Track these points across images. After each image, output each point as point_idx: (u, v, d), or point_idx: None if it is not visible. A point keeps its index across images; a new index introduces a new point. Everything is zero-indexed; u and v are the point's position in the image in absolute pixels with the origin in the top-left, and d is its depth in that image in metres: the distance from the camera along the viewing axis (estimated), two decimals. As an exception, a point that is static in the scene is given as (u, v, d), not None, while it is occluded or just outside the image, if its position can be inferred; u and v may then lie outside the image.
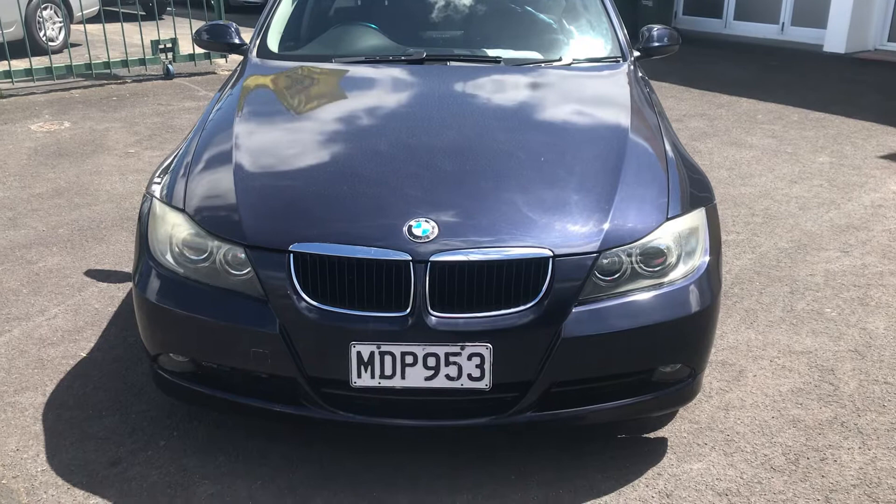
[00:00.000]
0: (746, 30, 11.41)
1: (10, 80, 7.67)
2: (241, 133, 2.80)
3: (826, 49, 10.19)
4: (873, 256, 4.14)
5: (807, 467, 2.56)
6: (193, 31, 4.04)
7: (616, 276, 2.32)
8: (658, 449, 2.65)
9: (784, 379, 3.04)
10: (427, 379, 2.25)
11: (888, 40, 10.17)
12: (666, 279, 2.37)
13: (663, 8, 10.91)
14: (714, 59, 9.77)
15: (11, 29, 8.43)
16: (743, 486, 2.48)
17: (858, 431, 2.74)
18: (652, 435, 2.71)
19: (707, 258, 2.46)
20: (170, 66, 8.41)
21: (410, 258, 2.22)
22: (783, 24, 11.03)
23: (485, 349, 2.21)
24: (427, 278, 2.22)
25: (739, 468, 2.56)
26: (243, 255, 2.31)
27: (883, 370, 3.10)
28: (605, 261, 2.31)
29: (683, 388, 2.48)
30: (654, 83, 4.65)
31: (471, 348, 2.21)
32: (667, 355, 2.41)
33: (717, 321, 2.51)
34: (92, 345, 3.24)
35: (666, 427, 2.75)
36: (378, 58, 3.52)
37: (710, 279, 2.44)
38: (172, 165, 2.75)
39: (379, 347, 2.22)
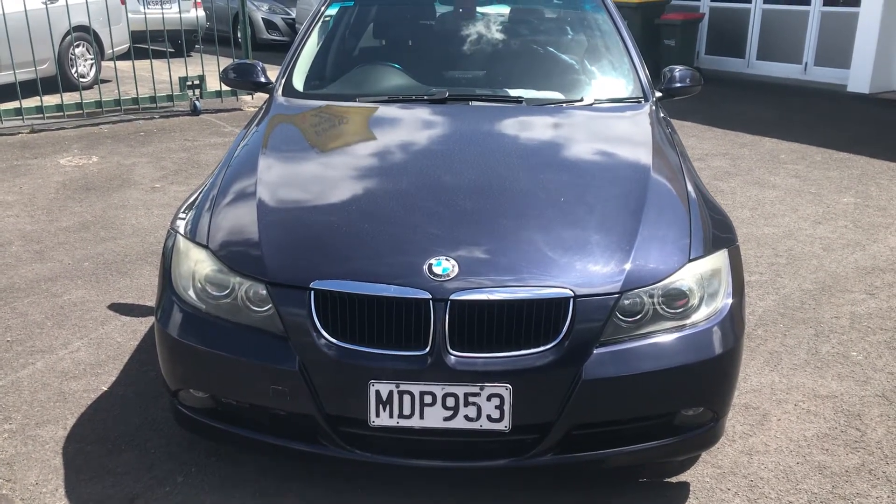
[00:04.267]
0: (769, 70, 11.42)
1: (41, 115, 7.83)
2: (265, 170, 2.84)
3: (850, 89, 10.16)
4: (900, 299, 4.08)
5: (833, 516, 2.51)
6: (221, 69, 4.11)
7: (638, 317, 2.31)
8: (680, 494, 2.60)
9: (809, 424, 2.99)
10: (446, 419, 2.23)
11: (913, 81, 10.14)
12: (688, 321, 2.35)
13: (685, 48, 10.96)
14: (736, 98, 9.77)
15: (45, 66, 8.62)
16: (767, 534, 2.42)
17: (887, 479, 2.68)
18: (674, 479, 2.67)
19: (730, 300, 2.44)
20: (197, 103, 8.55)
21: (430, 296, 2.22)
22: (806, 63, 11.03)
23: (504, 390, 2.20)
24: (447, 317, 2.21)
25: (764, 515, 2.51)
26: (264, 292, 2.33)
27: (911, 416, 3.04)
28: (626, 302, 2.29)
29: (706, 432, 2.45)
30: (676, 122, 4.65)
31: (490, 389, 2.20)
32: (689, 398, 2.38)
33: (740, 364, 2.48)
34: (113, 379, 3.26)
35: (688, 471, 2.70)
36: (401, 97, 3.56)
37: (732, 321, 2.41)
38: (197, 201, 2.78)
39: (398, 386, 2.21)
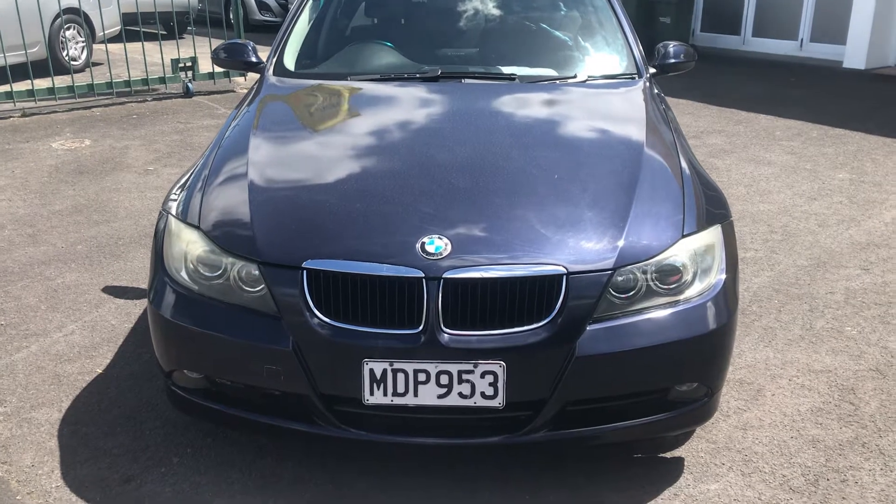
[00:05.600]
0: (765, 46, 11.36)
1: (32, 98, 7.77)
2: (256, 150, 2.82)
3: (846, 65, 10.12)
4: (894, 274, 4.08)
5: (827, 489, 2.52)
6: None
7: (631, 293, 2.30)
8: (675, 469, 2.61)
9: (803, 398, 3.00)
10: (440, 397, 2.23)
11: (909, 56, 10.11)
12: (682, 297, 2.35)
13: (681, 25, 10.89)
14: (732, 75, 9.73)
15: (35, 49, 8.55)
16: (761, 508, 2.44)
17: (880, 452, 2.69)
18: (668, 454, 2.68)
19: (723, 276, 2.44)
20: (189, 85, 8.49)
21: (423, 275, 2.21)
22: (802, 40, 10.98)
23: (498, 367, 2.20)
24: (440, 295, 2.21)
25: (757, 489, 2.52)
26: (257, 272, 2.32)
27: (905, 390, 3.05)
28: (619, 278, 2.29)
29: (700, 407, 2.45)
30: (671, 99, 4.63)
31: (484, 366, 2.20)
32: (683, 374, 2.38)
33: (733, 339, 2.48)
34: (108, 361, 3.26)
35: (683, 447, 2.71)
36: (393, 75, 3.53)
37: (726, 297, 2.41)
38: (188, 182, 2.77)
39: (391, 365, 2.21)
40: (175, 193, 2.75)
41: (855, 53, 10.04)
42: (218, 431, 2.76)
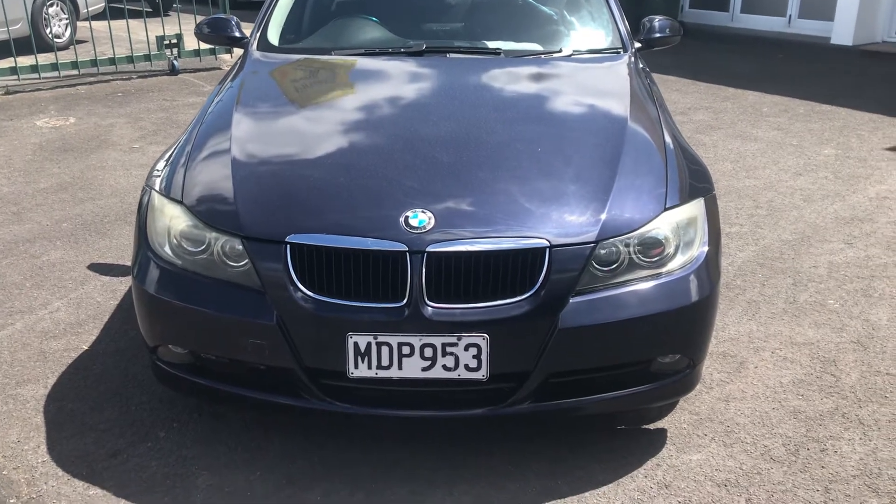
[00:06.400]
0: (753, 23, 11.34)
1: (15, 76, 7.69)
2: (239, 125, 2.81)
3: (833, 41, 10.12)
4: (877, 248, 4.11)
5: (807, 458, 2.55)
6: (196, 26, 4.04)
7: (613, 266, 2.31)
8: (657, 440, 2.64)
9: (785, 370, 3.03)
10: (424, 369, 2.25)
11: (896, 32, 10.11)
12: (664, 269, 2.36)
13: (670, 1, 10.85)
14: (720, 52, 9.72)
15: (18, 26, 8.45)
16: (742, 477, 2.47)
17: (860, 422, 2.73)
18: (651, 426, 2.71)
19: (706, 248, 2.45)
20: (175, 62, 8.42)
21: (407, 249, 2.22)
22: (790, 16, 10.96)
23: (482, 340, 2.21)
24: (423, 269, 2.21)
25: (739, 459, 2.55)
26: (240, 247, 2.32)
27: (885, 361, 3.09)
28: (602, 251, 2.30)
29: (682, 379, 2.47)
30: (659, 76, 4.65)
31: (467, 339, 2.21)
32: (665, 346, 2.40)
33: (715, 312, 2.50)
34: (94, 338, 3.25)
35: (666, 418, 2.74)
36: (378, 50, 3.51)
37: (708, 269, 2.43)
38: (171, 158, 2.76)
39: (376, 338, 2.22)
40: (158, 169, 2.74)
41: (843, 30, 10.04)
42: (204, 406, 2.77)
